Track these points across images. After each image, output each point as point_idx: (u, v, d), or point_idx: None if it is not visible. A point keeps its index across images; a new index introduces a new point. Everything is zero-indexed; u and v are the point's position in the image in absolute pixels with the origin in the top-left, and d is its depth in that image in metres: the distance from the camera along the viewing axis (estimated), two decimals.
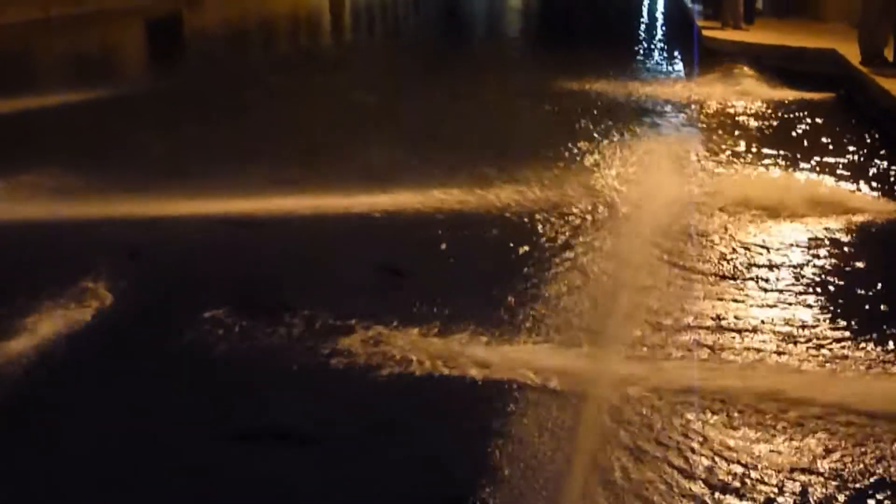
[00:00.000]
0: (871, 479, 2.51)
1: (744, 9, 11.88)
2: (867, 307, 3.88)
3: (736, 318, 3.65)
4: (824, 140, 6.76)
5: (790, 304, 3.79)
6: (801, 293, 3.91)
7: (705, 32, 11.62)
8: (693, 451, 2.67)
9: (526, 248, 4.60)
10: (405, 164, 6.13)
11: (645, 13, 18.32)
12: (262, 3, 21.69)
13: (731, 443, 2.72)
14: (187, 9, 19.49)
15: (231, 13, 19.28)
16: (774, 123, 7.51)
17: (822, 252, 4.50)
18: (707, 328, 3.57)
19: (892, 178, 5.78)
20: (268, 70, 10.88)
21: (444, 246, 4.70)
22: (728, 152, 6.49)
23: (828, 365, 3.26)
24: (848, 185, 5.63)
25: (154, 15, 17.96)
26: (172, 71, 11.06)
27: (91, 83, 9.51)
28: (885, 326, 3.60)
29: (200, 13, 19.57)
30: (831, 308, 3.80)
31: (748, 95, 8.45)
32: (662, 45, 13.00)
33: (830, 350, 3.39)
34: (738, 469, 2.59)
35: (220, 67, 11.11)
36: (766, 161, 6.23)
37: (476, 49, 13.49)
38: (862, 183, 5.68)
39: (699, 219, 4.99)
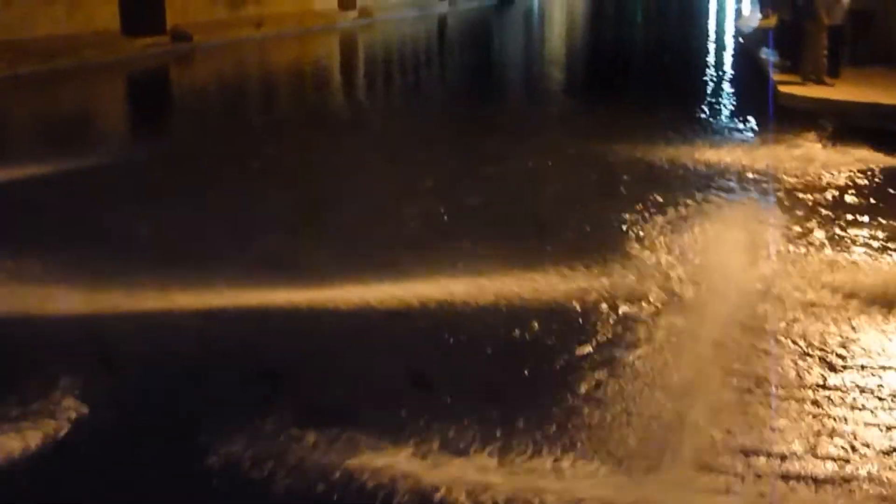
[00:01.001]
0: None
1: (828, 60, 11.96)
2: None
3: (838, 452, 3.48)
4: None
5: None
6: None
7: (782, 88, 11.79)
8: None
9: (571, 351, 4.61)
10: (429, 245, 6.24)
11: (710, 62, 18.64)
12: (262, 55, 22.64)
13: None
14: (175, 63, 20.32)
15: (225, 67, 20.08)
16: (870, 197, 7.50)
17: None
18: (795, 467, 3.37)
19: None
20: (267, 135, 11.09)
21: (477, 347, 4.70)
22: (814, 232, 6.49)
23: None
24: None
25: (137, 70, 18.71)
26: (155, 137, 11.35)
27: (61, 152, 9.75)
28: None
29: (190, 67, 20.41)
30: None
31: (836, 163, 8.45)
32: (731, 102, 13.18)
33: None
34: None
35: (211, 132, 11.39)
36: (861, 243, 6.21)
37: (512, 105, 13.75)
38: None
39: (781, 314, 4.96)
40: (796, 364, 4.47)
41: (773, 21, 19.80)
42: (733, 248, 6.30)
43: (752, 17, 27.74)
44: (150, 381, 4.56)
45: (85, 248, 6.55)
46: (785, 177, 8.32)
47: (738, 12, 35.81)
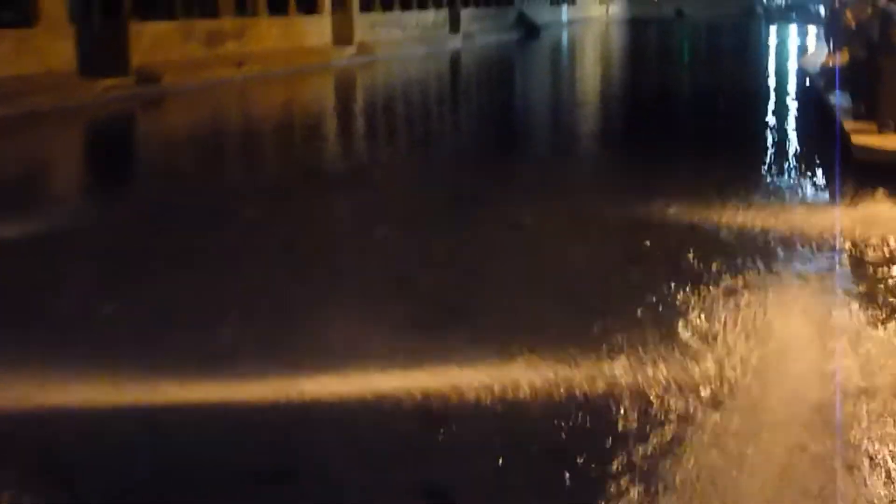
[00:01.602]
0: None
1: None
2: None
3: None
4: None
5: None
6: None
7: (855, 138, 11.81)
8: None
9: (607, 456, 4.54)
10: (438, 330, 6.21)
11: (770, 108, 18.78)
12: (243, 99, 23.00)
13: None
14: (141, 109, 20.66)
15: (199, 113, 20.38)
16: None
17: None
18: None
19: None
20: (244, 198, 11.11)
21: (500, 459, 4.65)
22: (895, 319, 6.42)
23: None
24: None
25: (99, 118, 19.00)
26: (113, 198, 11.33)
27: (1, 217, 9.80)
28: None
29: (159, 114, 20.73)
30: None
31: None
32: (795, 155, 13.18)
33: None
34: None
35: (179, 193, 11.42)
36: None
37: (538, 160, 13.68)
38: None
39: (861, 419, 4.88)
40: (873, 483, 4.37)
41: (842, 58, 19.99)
42: (797, 335, 6.23)
43: (818, 53, 28.08)
44: (96, 496, 4.50)
45: (20, 333, 6.56)
46: (859, 248, 8.26)
47: (802, 48, 36.31)
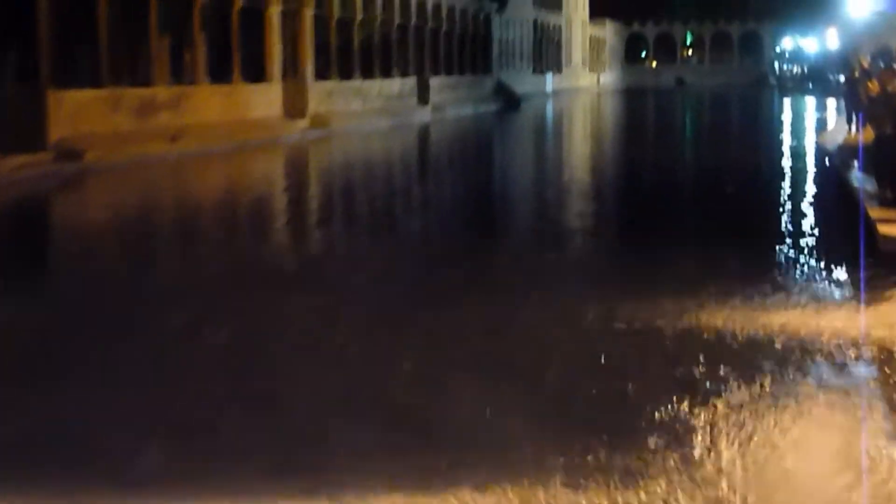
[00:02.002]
0: None
1: None
2: None
3: None
4: None
5: None
6: None
7: (882, 228, 11.92)
8: None
9: None
10: (404, 458, 6.13)
11: (785, 191, 19.06)
12: (176, 180, 23.06)
13: None
14: (58, 190, 20.62)
15: (127, 196, 20.36)
16: None
17: None
18: None
19: None
20: (175, 295, 11.01)
21: None
22: None
23: None
24: None
25: (7, 201, 18.86)
26: (18, 297, 11.18)
27: None
28: None
29: (80, 196, 20.69)
30: None
31: None
32: (813, 246, 13.27)
33: None
34: None
35: (99, 290, 11.31)
36: None
37: (516, 252, 13.65)
38: None
39: None
40: None
41: (866, 135, 20.33)
42: (817, 465, 6.20)
43: (838, 129, 28.69)
44: None
45: None
46: (890, 357, 8.28)
47: (821, 122, 37.10)
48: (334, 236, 15.63)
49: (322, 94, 35.52)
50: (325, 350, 8.94)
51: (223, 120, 29.30)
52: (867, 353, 8.38)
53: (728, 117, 48.71)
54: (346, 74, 38.09)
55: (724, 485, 5.74)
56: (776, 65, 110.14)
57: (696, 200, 19.41)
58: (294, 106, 33.47)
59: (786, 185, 20.34)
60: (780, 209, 16.93)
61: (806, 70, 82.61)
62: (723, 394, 7.34)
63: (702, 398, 7.24)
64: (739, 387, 7.49)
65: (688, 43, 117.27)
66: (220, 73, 30.76)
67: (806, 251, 13.08)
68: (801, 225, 15.21)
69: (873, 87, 18.89)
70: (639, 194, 20.04)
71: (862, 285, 10.59)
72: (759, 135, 35.61)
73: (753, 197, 19.01)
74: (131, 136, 25.26)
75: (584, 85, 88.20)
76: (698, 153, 29.40)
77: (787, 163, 25.43)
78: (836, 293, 10.66)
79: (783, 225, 15.26)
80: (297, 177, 24.49)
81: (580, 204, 18.34)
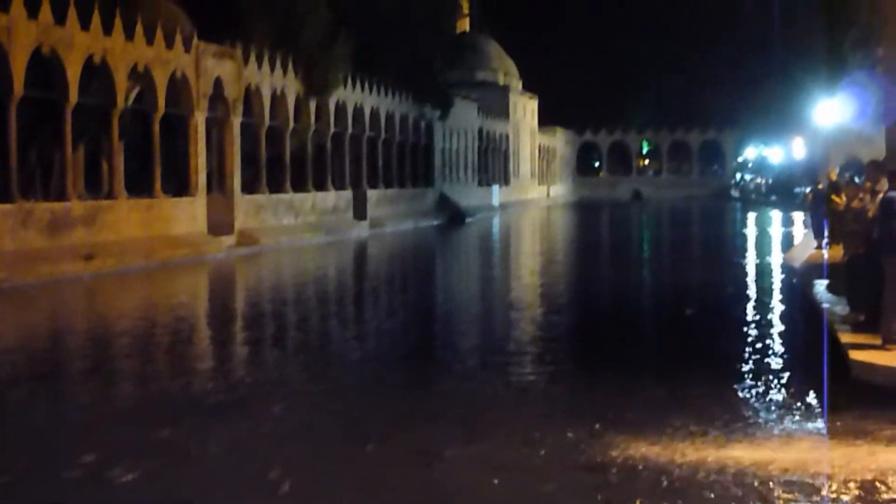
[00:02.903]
0: None
1: None
2: None
3: None
4: None
5: None
6: None
7: (854, 354, 11.82)
8: None
9: None
10: None
11: (749, 314, 19.44)
12: (89, 302, 23.01)
13: None
14: None
15: (34, 319, 20.31)
16: None
17: None
18: None
19: None
20: (82, 429, 10.89)
21: None
22: None
23: None
24: None
25: None
26: None
27: None
28: None
29: None
30: None
31: None
32: (780, 374, 13.13)
33: None
34: None
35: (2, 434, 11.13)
36: None
37: (455, 377, 13.47)
38: None
39: None
40: None
41: (832, 252, 20.89)
42: None
43: (805, 245, 29.46)
44: None
45: None
46: (860, 498, 8.34)
47: (787, 238, 38.03)
48: (258, 364, 15.32)
49: (250, 209, 35.98)
50: (247, 489, 8.85)
51: (143, 236, 29.54)
52: (833, 496, 8.37)
53: (689, 233, 49.62)
54: (276, 187, 38.63)
55: None
56: (739, 176, 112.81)
57: (654, 324, 19.67)
58: (220, 221, 33.82)
59: (750, 307, 20.67)
60: (744, 333, 17.09)
61: (770, 182, 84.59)
62: None
63: None
64: None
65: (644, 152, 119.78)
66: (139, 186, 31.10)
67: (771, 379, 13.01)
68: (765, 350, 15.27)
69: (841, 201, 19.31)
70: (593, 318, 20.22)
71: (825, 417, 10.61)
72: (722, 252, 36.25)
73: (716, 320, 19.24)
74: (42, 255, 25.42)
75: (533, 198, 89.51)
76: (657, 273, 29.83)
77: (751, 282, 25.98)
78: (805, 427, 10.56)
79: (747, 351, 15.25)
80: (220, 299, 24.39)
81: (529, 329, 18.39)
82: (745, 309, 20.26)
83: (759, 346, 15.67)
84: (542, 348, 16.20)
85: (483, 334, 18.40)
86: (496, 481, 8.96)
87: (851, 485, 8.59)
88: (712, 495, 8.37)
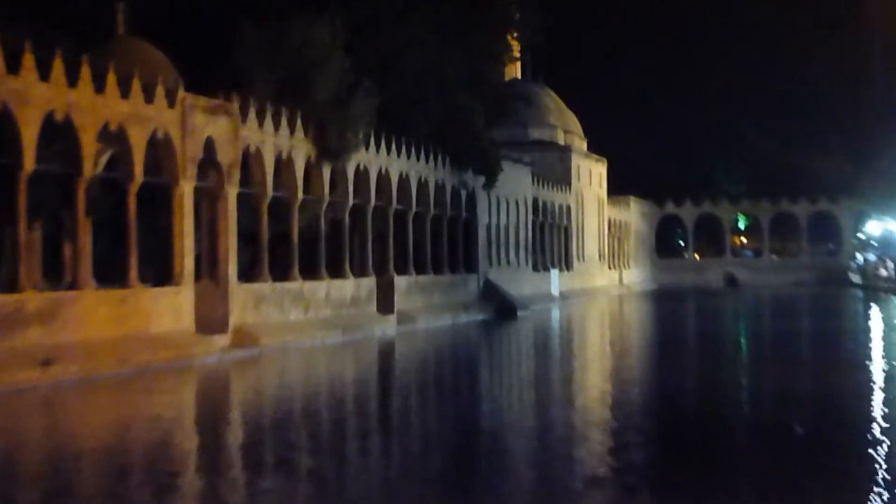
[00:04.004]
0: None
1: None
2: None
3: None
4: None
5: None
6: None
7: None
8: None
9: None
10: None
11: (874, 432, 19.05)
12: (45, 422, 22.82)
13: None
14: None
15: None
16: None
17: None
18: None
19: None
20: None
21: None
22: None
23: None
24: None
25: None
26: None
27: None
28: None
29: None
30: None
31: None
32: None
33: None
34: None
35: None
36: None
37: None
38: None
39: None
40: None
41: None
42: None
43: None
44: None
45: None
46: None
47: None
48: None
49: (249, 301, 35.92)
50: None
51: (115, 336, 29.47)
52: None
53: (797, 330, 49.06)
54: (281, 274, 38.66)
55: None
56: (859, 256, 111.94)
57: (755, 446, 19.43)
58: (211, 317, 33.78)
59: (876, 428, 20.39)
60: (872, 460, 16.94)
61: None
62: None
63: None
64: None
65: (740, 228, 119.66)
66: (111, 273, 31.11)
67: None
68: None
69: None
70: (678, 445, 19.99)
71: None
72: (839, 355, 35.77)
73: (834, 442, 19.03)
74: None
75: (601, 285, 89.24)
76: (758, 382, 29.45)
77: (877, 394, 25.56)
78: None
79: (877, 483, 15.22)
80: (207, 418, 24.08)
81: (596, 466, 18.27)
82: (871, 430, 19.96)
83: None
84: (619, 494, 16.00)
85: (541, 465, 18.18)
86: None
87: None
88: None
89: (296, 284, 39.19)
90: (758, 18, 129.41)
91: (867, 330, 47.99)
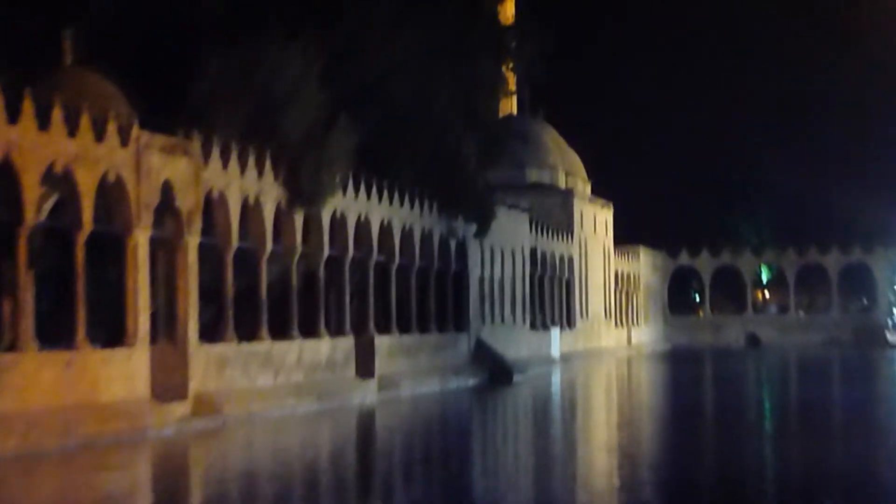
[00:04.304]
0: None
1: None
2: None
3: None
4: None
5: None
6: None
7: None
8: None
9: None
10: None
11: None
12: None
13: None
14: None
15: None
16: None
17: None
18: None
19: None
20: None
21: None
22: None
23: None
24: None
25: None
26: None
27: None
28: None
29: None
30: None
31: None
32: None
33: None
34: None
35: None
36: None
37: None
38: None
39: None
40: None
41: None
42: None
43: None
44: None
45: None
46: None
47: None
48: None
49: (211, 364, 35.74)
50: None
51: (60, 404, 29.27)
52: None
53: (828, 397, 49.06)
54: (248, 333, 38.50)
55: None
56: None
57: None
58: (169, 382, 33.59)
59: None
60: None
61: None
62: None
63: None
64: None
65: (763, 282, 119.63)
66: (55, 333, 30.95)
67: None
68: None
69: None
70: None
71: None
72: (872, 428, 35.74)
73: None
74: None
75: (607, 345, 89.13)
76: (784, 460, 29.44)
77: None
78: None
79: None
80: (164, 499, 24.03)
81: None
82: None
83: None
84: None
85: None
86: None
87: None
88: None
89: (264, 345, 39.03)
90: (788, 49, 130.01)
91: None
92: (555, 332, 74.47)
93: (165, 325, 35.06)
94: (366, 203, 46.47)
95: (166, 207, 34.60)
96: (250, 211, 38.86)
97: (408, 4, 50.39)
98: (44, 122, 30.03)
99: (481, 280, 60.24)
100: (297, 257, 41.55)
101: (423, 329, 52.44)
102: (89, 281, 31.77)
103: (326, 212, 43.02)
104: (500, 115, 79.94)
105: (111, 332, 32.99)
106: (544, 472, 27.36)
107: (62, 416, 28.97)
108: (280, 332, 40.31)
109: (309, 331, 42.19)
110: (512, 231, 65.55)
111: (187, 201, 35.19)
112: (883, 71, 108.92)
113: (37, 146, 29.77)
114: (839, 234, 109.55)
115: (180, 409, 33.49)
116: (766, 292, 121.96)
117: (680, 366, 75.64)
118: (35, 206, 30.13)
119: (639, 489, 23.72)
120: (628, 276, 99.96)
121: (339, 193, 43.64)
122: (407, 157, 49.94)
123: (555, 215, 78.91)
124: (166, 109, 35.56)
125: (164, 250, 35.29)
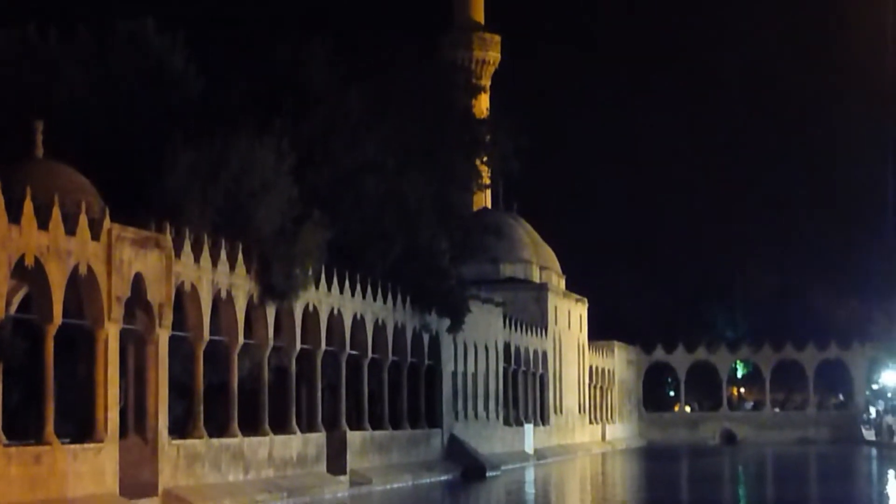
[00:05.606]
0: None
1: None
2: None
3: None
4: None
5: None
6: None
7: None
8: None
9: None
10: None
11: None
12: None
13: None
14: None
15: None
16: None
17: None
18: None
19: None
20: None
21: None
22: None
23: None
24: None
25: None
26: None
27: None
28: None
29: None
30: None
31: None
32: None
33: None
34: None
35: None
36: None
37: None
38: None
39: None
40: None
41: None
42: None
43: None
44: None
45: None
46: None
47: None
48: None
49: (181, 460, 35.64)
50: None
51: (26, 501, 29.02)
52: None
53: (804, 498, 49.13)
54: (219, 429, 38.45)
55: None
56: (873, 410, 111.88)
57: None
58: (138, 478, 33.49)
59: None
60: None
61: None
62: None
63: None
64: None
65: (738, 378, 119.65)
66: (23, 428, 30.89)
67: None
68: None
69: None
70: None
71: None
72: None
73: None
74: None
75: (582, 441, 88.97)
76: None
77: None
78: None
79: None
80: None
81: None
82: None
83: None
84: None
85: None
86: None
87: None
88: None
89: (235, 441, 38.93)
90: (763, 145, 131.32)
91: (885, 496, 48.03)
92: (528, 427, 74.39)
93: (135, 419, 34.96)
94: (339, 297, 46.58)
95: (137, 300, 34.63)
96: (222, 304, 38.91)
97: (380, 98, 50.83)
98: (15, 215, 30.09)
99: (454, 375, 60.28)
100: (268, 351, 41.54)
101: (396, 424, 52.42)
102: (58, 375, 31.66)
103: (298, 306, 43.09)
104: (474, 208, 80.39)
105: (80, 427, 32.89)
106: None
107: None
108: (251, 427, 40.25)
109: (280, 426, 42.14)
110: (485, 326, 65.65)
111: (159, 294, 35.24)
112: (859, 168, 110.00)
113: (6, 238, 29.79)
114: (815, 330, 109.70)
115: None
116: (742, 389, 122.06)
117: (655, 463, 75.67)
118: (4, 299, 30.14)
119: None
120: (603, 372, 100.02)
121: (312, 287, 43.70)
122: (380, 251, 50.10)
123: (529, 310, 79.01)
124: (138, 202, 35.73)
125: (135, 343, 35.28)
